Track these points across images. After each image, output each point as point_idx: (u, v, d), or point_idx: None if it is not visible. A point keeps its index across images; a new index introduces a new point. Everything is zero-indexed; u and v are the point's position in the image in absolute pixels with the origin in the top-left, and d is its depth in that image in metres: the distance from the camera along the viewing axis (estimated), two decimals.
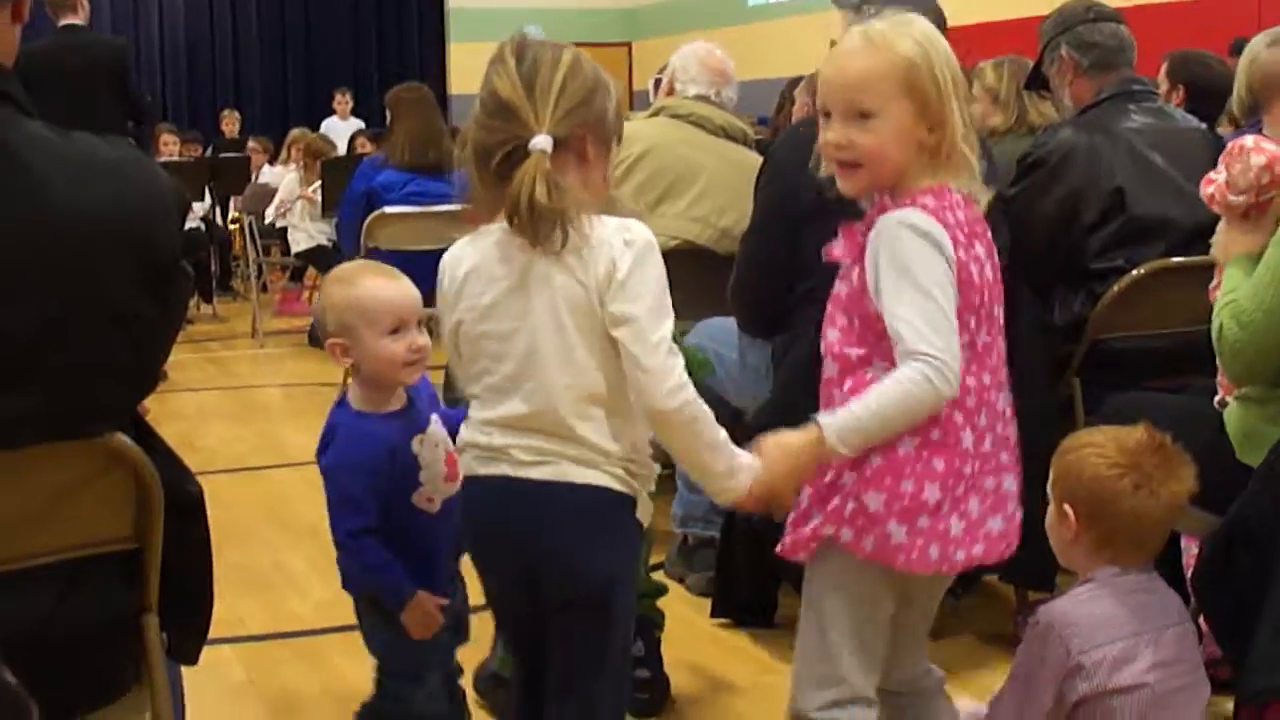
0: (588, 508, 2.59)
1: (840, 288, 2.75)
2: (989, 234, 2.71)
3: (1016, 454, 2.78)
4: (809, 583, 2.81)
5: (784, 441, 2.63)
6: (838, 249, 2.75)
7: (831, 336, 2.73)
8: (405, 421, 3.08)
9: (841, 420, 2.57)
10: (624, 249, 2.51)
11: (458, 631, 3.26)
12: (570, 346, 2.54)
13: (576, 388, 2.55)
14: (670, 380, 2.51)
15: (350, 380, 3.13)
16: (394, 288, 3.04)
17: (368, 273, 3.09)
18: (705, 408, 2.58)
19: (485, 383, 2.63)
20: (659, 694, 3.92)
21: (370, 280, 3.05)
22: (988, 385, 2.67)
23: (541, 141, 2.52)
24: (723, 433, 2.61)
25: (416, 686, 3.20)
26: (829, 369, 2.74)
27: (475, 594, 3.23)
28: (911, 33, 2.62)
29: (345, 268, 3.21)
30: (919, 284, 2.53)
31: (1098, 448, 2.92)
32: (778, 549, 2.80)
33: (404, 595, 3.02)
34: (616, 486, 2.59)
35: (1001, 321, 2.74)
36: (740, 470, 2.61)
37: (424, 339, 3.05)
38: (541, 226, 2.50)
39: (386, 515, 3.02)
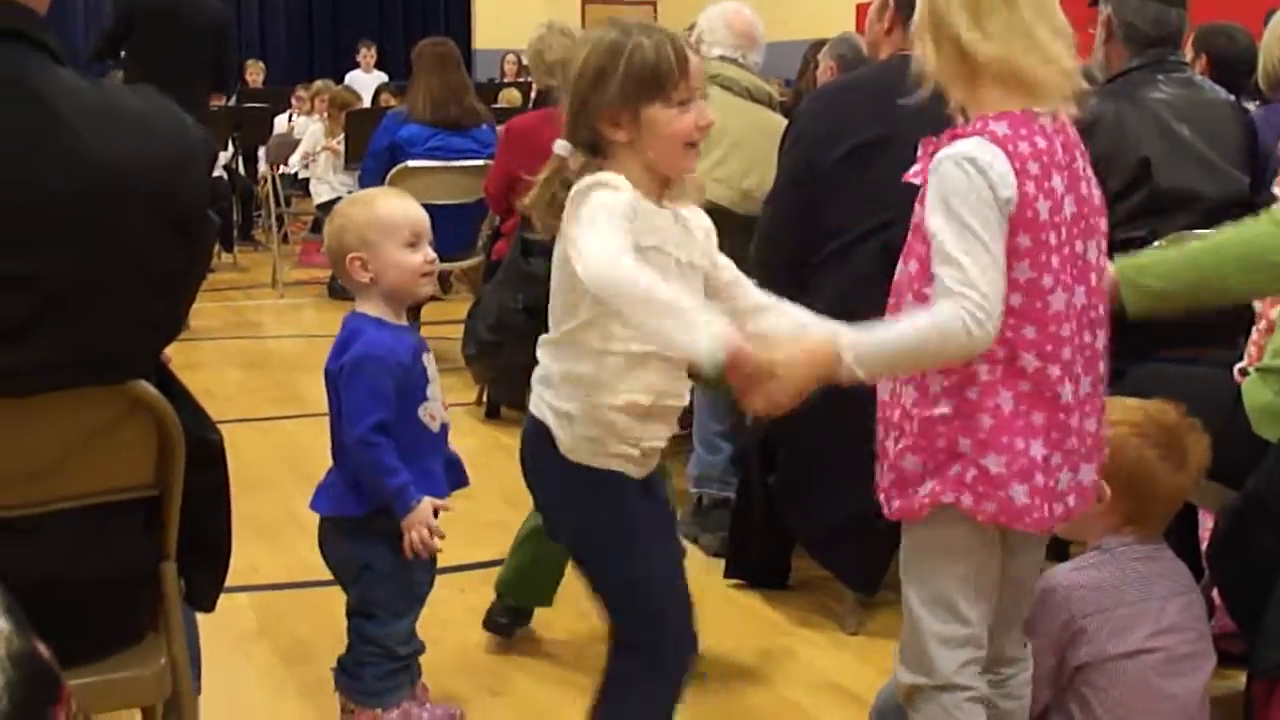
0: (527, 434, 2.85)
1: (918, 212, 2.68)
2: (1080, 163, 2.63)
3: (1104, 400, 2.72)
4: (916, 550, 2.74)
5: (802, 340, 2.58)
6: (915, 170, 2.73)
7: (911, 269, 2.65)
8: (416, 336, 3.31)
9: (866, 341, 2.50)
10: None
11: (428, 570, 3.39)
12: (552, 301, 2.77)
13: (544, 345, 2.80)
14: (588, 257, 2.52)
15: (360, 299, 3.31)
16: (410, 204, 3.30)
17: (383, 194, 3.39)
18: (640, 275, 2.48)
19: None
20: None
21: (387, 199, 3.32)
22: (1077, 329, 2.58)
23: (558, 146, 2.75)
24: (666, 295, 2.47)
25: (394, 628, 3.32)
26: (910, 300, 2.66)
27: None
28: None
29: (361, 193, 3.51)
30: (965, 221, 2.45)
31: (1137, 428, 2.93)
32: (887, 514, 2.74)
33: (411, 500, 3.15)
34: (539, 417, 2.79)
35: (1097, 258, 2.65)
36: (699, 328, 2.42)
37: (434, 255, 3.29)
38: (545, 221, 2.76)
39: (395, 425, 3.18)
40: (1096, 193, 2.63)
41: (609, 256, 2.49)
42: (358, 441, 3.15)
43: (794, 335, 2.62)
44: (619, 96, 2.67)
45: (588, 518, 2.82)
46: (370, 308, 3.27)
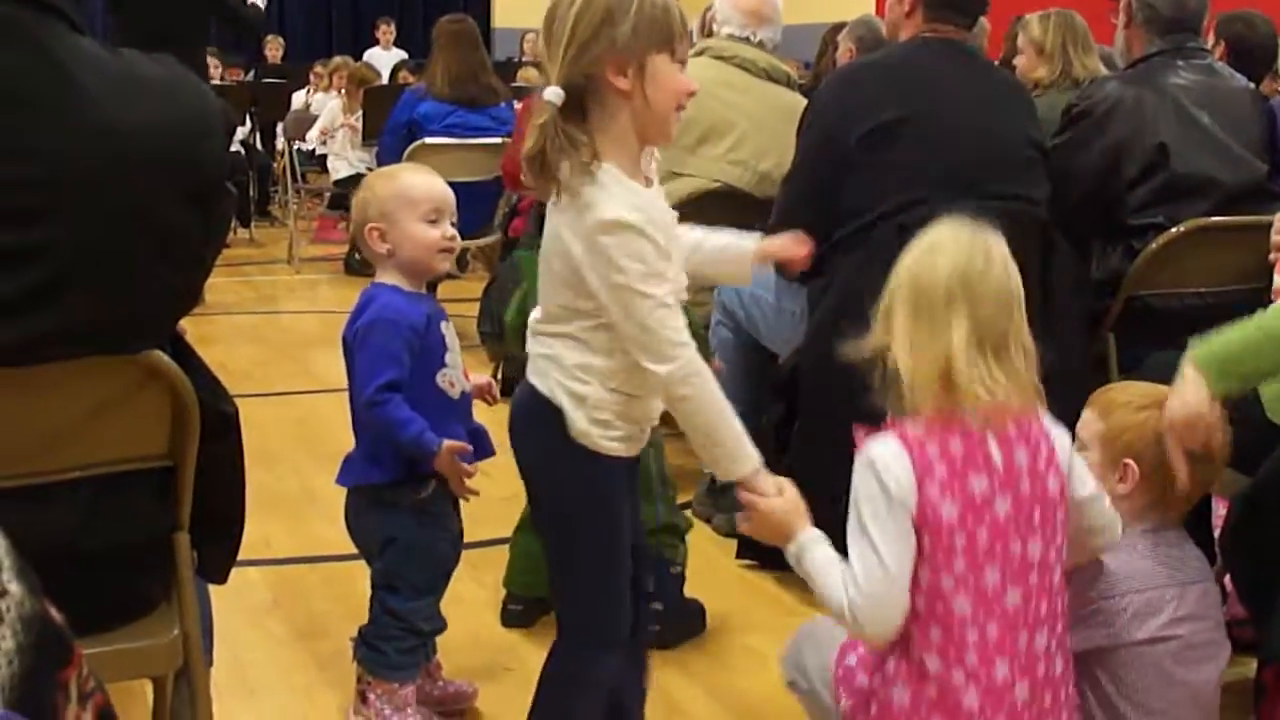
0: (527, 403, 2.75)
1: None
2: (1029, 462, 2.50)
3: (1067, 694, 2.58)
4: None
5: (790, 510, 2.65)
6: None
7: None
8: (434, 305, 3.33)
9: (809, 552, 2.58)
10: (595, 230, 2.58)
11: (454, 547, 3.43)
12: (549, 283, 2.69)
13: (547, 323, 2.71)
14: (654, 348, 2.59)
15: (379, 271, 3.34)
16: (433, 180, 3.33)
17: (408, 169, 3.43)
18: (707, 383, 2.62)
19: None
20: (674, 628, 3.98)
21: (411, 174, 3.36)
22: (1006, 631, 2.46)
23: (549, 93, 2.60)
24: (721, 412, 2.64)
25: (419, 604, 3.34)
26: None
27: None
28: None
29: (389, 167, 3.55)
30: (863, 523, 2.46)
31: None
32: None
33: (433, 444, 3.17)
34: (545, 393, 2.70)
35: (1043, 554, 2.51)
36: (745, 460, 2.66)
37: (455, 232, 3.32)
38: (536, 177, 2.64)
39: (411, 390, 3.20)
40: (1054, 486, 2.52)
41: (680, 352, 2.58)
42: (366, 402, 3.17)
43: (787, 501, 2.67)
44: (630, 39, 2.57)
45: (580, 504, 2.79)
46: (388, 278, 3.30)
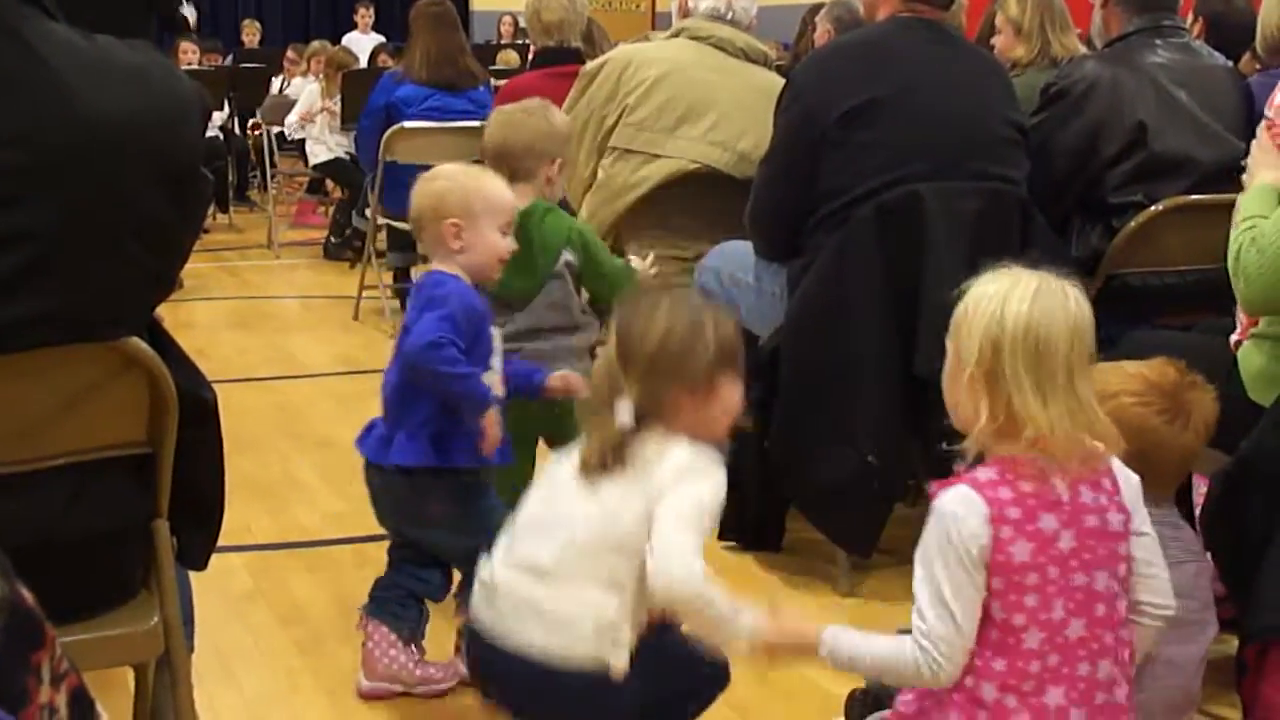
0: (567, 685, 2.65)
1: None
2: (1094, 497, 2.52)
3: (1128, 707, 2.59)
4: None
5: (794, 622, 2.63)
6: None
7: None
8: (488, 307, 3.36)
9: (843, 643, 2.55)
10: (682, 463, 2.63)
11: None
12: (588, 545, 2.65)
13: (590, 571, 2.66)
14: (670, 573, 2.57)
15: (440, 260, 3.32)
16: (509, 192, 3.36)
17: (489, 175, 3.41)
18: (711, 595, 2.59)
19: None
20: None
21: (494, 180, 3.36)
22: (1066, 660, 2.50)
23: (623, 412, 2.63)
24: (723, 607, 2.60)
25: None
26: None
27: None
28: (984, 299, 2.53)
29: (462, 167, 3.45)
30: (933, 574, 2.46)
31: (1137, 396, 2.91)
32: None
33: (489, 399, 3.17)
34: (590, 658, 2.64)
35: (1108, 584, 2.53)
36: (740, 633, 2.62)
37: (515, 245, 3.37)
38: (610, 463, 2.64)
39: None
40: (1116, 520, 2.54)
41: (695, 573, 2.56)
42: (428, 344, 3.12)
43: (792, 615, 2.64)
44: (703, 368, 2.65)
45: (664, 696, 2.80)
46: (450, 269, 3.29)
